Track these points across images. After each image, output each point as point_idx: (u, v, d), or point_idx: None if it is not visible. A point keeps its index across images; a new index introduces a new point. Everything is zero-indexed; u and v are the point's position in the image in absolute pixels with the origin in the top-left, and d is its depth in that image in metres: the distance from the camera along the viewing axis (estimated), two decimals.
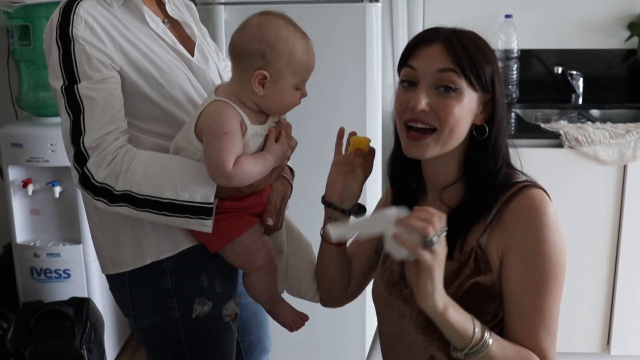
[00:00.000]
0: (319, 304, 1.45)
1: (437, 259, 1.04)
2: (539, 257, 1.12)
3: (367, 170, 1.28)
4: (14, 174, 2.41)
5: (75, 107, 1.28)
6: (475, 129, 1.15)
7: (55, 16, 1.31)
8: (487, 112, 1.16)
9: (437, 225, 1.03)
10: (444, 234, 1.03)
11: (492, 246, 1.14)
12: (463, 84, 1.12)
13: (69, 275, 2.46)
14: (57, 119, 2.34)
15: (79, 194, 2.12)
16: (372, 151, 1.28)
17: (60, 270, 2.45)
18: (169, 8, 1.46)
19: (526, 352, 1.12)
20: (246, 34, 1.27)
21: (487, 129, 1.16)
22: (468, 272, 1.14)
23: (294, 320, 1.43)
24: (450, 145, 1.15)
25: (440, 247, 1.03)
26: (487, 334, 1.10)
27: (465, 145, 1.17)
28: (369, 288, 1.45)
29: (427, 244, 1.02)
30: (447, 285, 1.14)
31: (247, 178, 1.28)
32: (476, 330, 1.09)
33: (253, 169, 1.28)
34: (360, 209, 1.31)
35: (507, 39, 2.73)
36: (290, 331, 1.44)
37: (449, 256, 1.15)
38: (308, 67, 1.30)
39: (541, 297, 1.13)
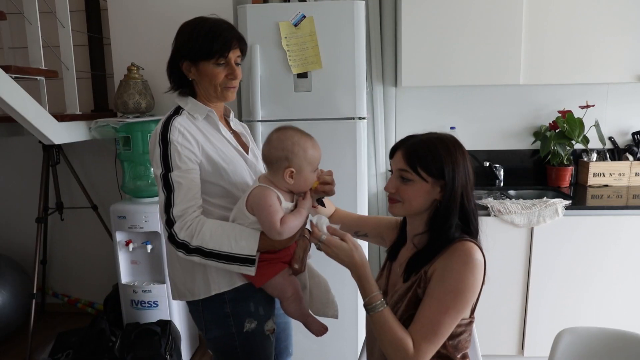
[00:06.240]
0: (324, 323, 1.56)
1: (328, 249, 1.22)
2: (446, 280, 1.17)
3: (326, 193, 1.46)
4: (119, 237, 2.69)
5: (168, 188, 1.36)
6: (439, 202, 1.24)
7: (159, 126, 1.41)
8: (444, 192, 1.23)
9: (315, 235, 1.23)
10: (323, 237, 1.23)
11: (430, 272, 1.22)
12: (415, 177, 1.23)
13: (157, 305, 2.69)
14: (150, 199, 2.65)
15: (164, 249, 2.47)
16: (319, 188, 1.43)
17: (151, 301, 2.69)
18: (232, 124, 1.61)
19: (407, 337, 1.17)
20: (272, 147, 1.38)
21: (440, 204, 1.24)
22: (414, 288, 1.24)
23: (319, 330, 1.53)
24: (414, 210, 1.26)
25: (324, 246, 1.22)
26: (383, 302, 1.18)
27: (432, 210, 1.26)
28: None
29: (317, 245, 1.25)
30: (403, 295, 1.25)
31: (292, 229, 1.36)
32: (377, 294, 1.18)
33: (295, 222, 1.36)
34: (320, 202, 1.50)
35: None
36: (317, 336, 1.54)
37: (407, 278, 1.27)
38: (318, 156, 1.39)
39: (435, 308, 1.17)
